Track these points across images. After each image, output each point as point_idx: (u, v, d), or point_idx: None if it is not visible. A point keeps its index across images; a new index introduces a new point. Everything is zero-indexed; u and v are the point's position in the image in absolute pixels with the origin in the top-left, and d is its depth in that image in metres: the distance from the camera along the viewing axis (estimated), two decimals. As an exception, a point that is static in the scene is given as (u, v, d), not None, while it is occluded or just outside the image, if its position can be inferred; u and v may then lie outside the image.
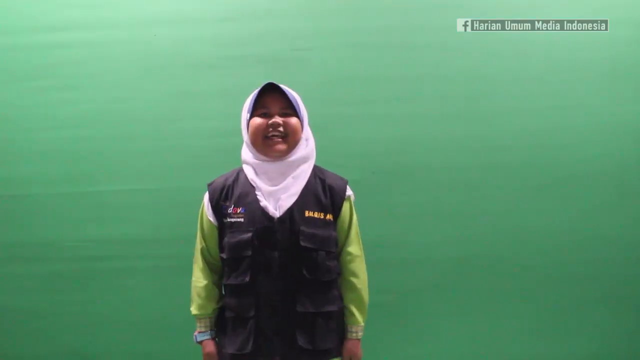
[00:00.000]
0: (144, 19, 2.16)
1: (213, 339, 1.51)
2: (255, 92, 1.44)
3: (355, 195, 1.55)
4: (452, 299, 2.14)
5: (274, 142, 1.41)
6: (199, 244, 1.53)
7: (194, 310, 1.51)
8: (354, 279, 1.49)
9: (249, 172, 1.46)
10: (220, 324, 1.51)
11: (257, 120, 1.42)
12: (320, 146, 2.09)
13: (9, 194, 2.19)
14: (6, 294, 2.19)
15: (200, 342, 1.52)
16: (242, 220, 1.42)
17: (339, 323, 1.49)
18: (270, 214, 1.40)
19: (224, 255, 1.45)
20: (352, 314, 1.49)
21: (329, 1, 2.16)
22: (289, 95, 1.42)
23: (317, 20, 2.16)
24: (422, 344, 2.15)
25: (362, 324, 1.51)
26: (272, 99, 1.43)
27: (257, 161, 1.45)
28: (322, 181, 1.48)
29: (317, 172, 1.50)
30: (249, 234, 1.40)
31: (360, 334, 1.51)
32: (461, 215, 2.14)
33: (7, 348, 2.20)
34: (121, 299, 2.16)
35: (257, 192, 1.43)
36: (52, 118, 2.17)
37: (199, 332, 1.52)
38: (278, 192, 1.42)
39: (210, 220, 1.49)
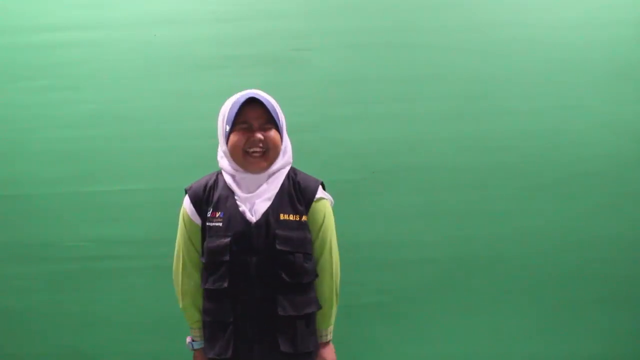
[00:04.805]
0: (144, 19, 2.16)
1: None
2: (236, 103, 1.41)
3: (334, 200, 1.54)
4: (451, 299, 2.14)
5: (254, 159, 1.41)
6: (183, 250, 1.51)
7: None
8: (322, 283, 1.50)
9: (227, 178, 1.46)
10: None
11: (237, 135, 1.41)
12: (320, 146, 2.12)
13: (9, 194, 2.19)
14: (6, 294, 2.19)
15: (196, 350, 1.53)
16: (220, 224, 1.42)
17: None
18: (248, 219, 1.41)
19: (203, 260, 1.46)
20: (323, 318, 1.50)
21: (329, 1, 2.16)
22: (269, 107, 1.41)
23: (317, 20, 2.16)
24: (421, 344, 2.15)
25: (331, 326, 1.52)
26: (253, 112, 1.41)
27: (234, 171, 1.45)
28: (296, 182, 1.48)
29: (290, 173, 1.50)
30: (227, 239, 1.40)
31: (330, 336, 1.53)
32: (461, 215, 2.14)
33: (7, 348, 2.20)
34: (121, 299, 2.16)
35: (235, 197, 1.43)
36: (52, 118, 2.17)
37: (195, 341, 1.54)
38: (254, 197, 1.42)
39: (194, 222, 1.49)
